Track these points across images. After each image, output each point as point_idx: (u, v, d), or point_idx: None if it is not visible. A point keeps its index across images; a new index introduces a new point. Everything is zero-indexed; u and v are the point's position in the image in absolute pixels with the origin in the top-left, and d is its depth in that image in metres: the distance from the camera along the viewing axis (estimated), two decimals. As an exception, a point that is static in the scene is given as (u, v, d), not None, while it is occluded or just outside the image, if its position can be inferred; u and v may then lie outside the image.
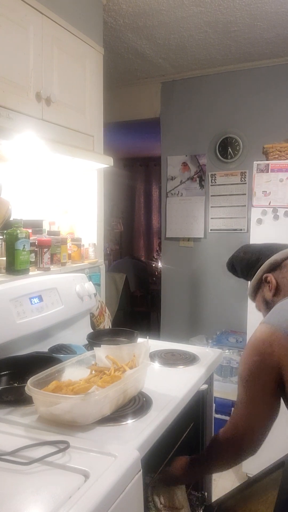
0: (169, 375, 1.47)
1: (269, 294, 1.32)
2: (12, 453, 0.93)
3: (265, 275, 1.32)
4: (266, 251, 1.36)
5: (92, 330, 1.96)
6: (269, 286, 1.31)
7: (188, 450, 1.51)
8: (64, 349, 1.58)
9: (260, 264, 1.34)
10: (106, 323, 2.18)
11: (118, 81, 3.64)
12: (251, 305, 2.60)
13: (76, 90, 2.00)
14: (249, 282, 1.41)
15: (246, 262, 1.38)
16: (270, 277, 1.31)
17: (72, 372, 1.26)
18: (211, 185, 3.47)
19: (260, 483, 1.32)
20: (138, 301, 5.23)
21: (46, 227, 2.03)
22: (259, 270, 1.33)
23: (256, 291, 1.37)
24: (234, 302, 3.34)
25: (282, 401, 1.14)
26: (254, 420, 1.13)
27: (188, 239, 3.60)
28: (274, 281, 1.30)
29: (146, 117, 3.72)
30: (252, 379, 1.12)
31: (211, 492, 1.76)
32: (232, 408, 1.20)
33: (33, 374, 1.15)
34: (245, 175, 3.33)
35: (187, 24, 2.64)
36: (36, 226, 1.90)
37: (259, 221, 2.53)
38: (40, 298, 1.59)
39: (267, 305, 1.32)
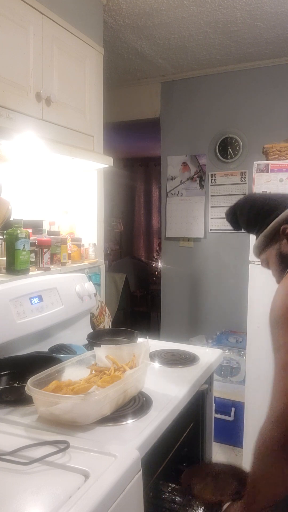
0: (169, 375, 1.47)
1: None
2: (12, 453, 0.93)
3: (283, 227, 1.16)
4: (283, 200, 1.20)
5: (92, 330, 1.96)
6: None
7: (188, 450, 1.51)
8: (64, 349, 1.58)
9: (277, 214, 1.17)
10: (106, 323, 2.18)
11: (118, 81, 3.64)
12: (251, 305, 2.60)
13: (76, 90, 2.00)
14: (251, 235, 1.27)
15: (257, 211, 1.21)
16: None
17: (72, 372, 1.27)
18: (211, 185, 3.47)
19: None
20: (138, 301, 5.23)
21: (46, 227, 2.03)
22: (275, 221, 1.16)
23: (267, 244, 1.20)
24: (234, 302, 3.34)
25: None
26: None
27: (188, 239, 3.60)
28: None
29: (146, 117, 3.72)
30: None
31: (211, 492, 1.76)
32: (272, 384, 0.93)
33: (33, 374, 1.16)
34: (245, 175, 3.33)
35: (187, 24, 2.64)
36: (36, 226, 1.90)
37: (259, 221, 2.53)
38: (40, 298, 1.59)
39: (283, 260, 1.17)
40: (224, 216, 1.33)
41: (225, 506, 1.08)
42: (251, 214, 1.23)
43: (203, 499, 1.16)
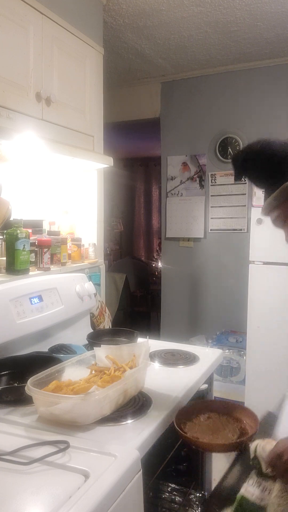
0: (169, 375, 1.47)
1: None
2: (12, 453, 0.93)
3: None
4: None
5: (92, 330, 1.96)
6: None
7: (187, 450, 1.52)
8: (64, 349, 1.58)
9: None
10: (106, 323, 2.18)
11: (118, 81, 3.64)
12: (251, 305, 2.60)
13: (76, 90, 2.00)
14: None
15: (279, 160, 1.04)
16: None
17: (72, 372, 1.27)
18: (211, 185, 3.47)
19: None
20: (138, 301, 5.23)
21: (46, 227, 2.03)
22: None
23: (286, 198, 1.04)
24: (234, 302, 3.34)
25: None
26: None
27: (188, 239, 3.60)
28: None
29: (146, 117, 3.73)
30: None
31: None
32: None
33: (33, 374, 1.16)
34: (245, 175, 3.33)
35: (187, 24, 2.64)
36: (36, 226, 1.90)
37: (259, 221, 2.54)
38: (40, 298, 1.59)
39: None
40: (233, 175, 1.14)
41: (257, 445, 0.99)
42: (269, 162, 1.05)
43: (215, 447, 1.08)
